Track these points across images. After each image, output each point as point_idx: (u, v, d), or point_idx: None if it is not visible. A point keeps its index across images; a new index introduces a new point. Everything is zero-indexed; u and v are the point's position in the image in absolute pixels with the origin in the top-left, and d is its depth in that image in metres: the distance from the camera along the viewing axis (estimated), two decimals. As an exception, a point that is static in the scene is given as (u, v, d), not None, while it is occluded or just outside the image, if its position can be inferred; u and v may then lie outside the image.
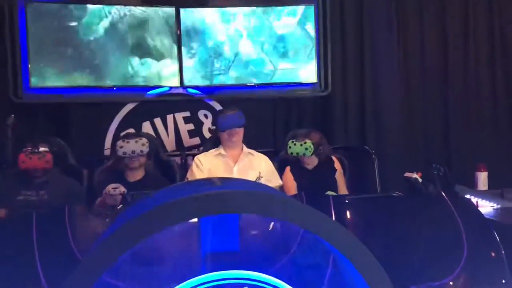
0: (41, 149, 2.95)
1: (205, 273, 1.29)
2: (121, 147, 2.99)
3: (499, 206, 3.51)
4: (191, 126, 4.27)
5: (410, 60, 4.48)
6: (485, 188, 4.12)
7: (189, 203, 1.21)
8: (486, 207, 3.54)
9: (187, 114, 4.26)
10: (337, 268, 1.59)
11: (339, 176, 3.39)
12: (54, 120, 4.03)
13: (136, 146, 2.98)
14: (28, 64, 3.94)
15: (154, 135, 4.03)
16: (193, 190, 1.31)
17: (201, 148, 3.80)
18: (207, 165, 3.14)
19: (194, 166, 3.17)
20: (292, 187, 3.27)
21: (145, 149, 3.02)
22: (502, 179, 4.26)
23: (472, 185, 4.12)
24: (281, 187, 3.23)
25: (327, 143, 3.47)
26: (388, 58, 4.42)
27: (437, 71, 4.53)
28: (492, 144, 4.53)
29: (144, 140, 3.03)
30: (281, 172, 3.38)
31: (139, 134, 3.36)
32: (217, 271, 1.29)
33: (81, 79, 4.05)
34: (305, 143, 3.23)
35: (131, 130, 3.94)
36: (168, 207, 1.22)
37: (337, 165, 3.43)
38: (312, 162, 3.35)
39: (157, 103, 4.23)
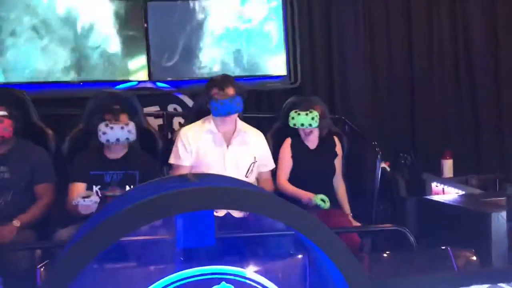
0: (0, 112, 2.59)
1: (181, 270, 1.29)
2: (104, 133, 2.62)
3: (463, 192, 3.63)
4: (160, 121, 4.22)
5: (376, 52, 4.56)
6: (451, 175, 4.26)
7: (162, 201, 1.20)
8: (452, 193, 3.66)
9: (157, 108, 4.21)
10: (313, 262, 1.61)
11: (338, 162, 3.16)
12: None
13: (122, 134, 2.62)
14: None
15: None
16: (167, 187, 1.30)
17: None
18: (195, 144, 2.77)
19: (179, 144, 2.78)
20: (287, 163, 3.01)
21: (132, 136, 2.66)
22: (467, 166, 4.42)
23: (438, 173, 4.24)
24: (270, 173, 2.96)
25: (329, 118, 3.18)
26: (356, 50, 4.48)
27: (403, 61, 4.62)
28: (456, 132, 4.67)
29: (130, 125, 2.65)
30: (276, 144, 3.11)
31: (124, 114, 2.77)
32: (193, 267, 1.29)
33: (46, 74, 3.96)
34: (310, 112, 2.93)
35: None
36: (142, 206, 1.21)
37: (338, 149, 3.18)
38: (314, 138, 3.07)
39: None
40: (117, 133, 2.63)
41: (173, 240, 1.43)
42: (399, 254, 2.40)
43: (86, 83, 4.04)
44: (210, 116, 2.85)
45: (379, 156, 3.21)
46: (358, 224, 3.04)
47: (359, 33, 4.48)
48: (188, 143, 2.78)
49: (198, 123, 2.89)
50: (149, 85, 4.20)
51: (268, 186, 2.90)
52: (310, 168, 3.06)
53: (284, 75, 4.36)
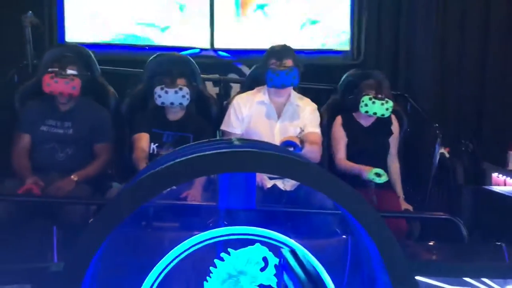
0: (69, 71, 2.67)
1: (222, 227, 1.34)
2: (160, 96, 2.74)
3: (528, 185, 3.42)
4: (218, 89, 4.28)
5: (447, 32, 4.32)
6: (517, 168, 4.01)
7: (207, 160, 1.23)
8: (514, 186, 3.46)
9: (216, 76, 4.26)
10: (354, 236, 1.60)
11: (393, 141, 3.05)
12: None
13: (176, 98, 2.73)
14: (64, 18, 4.00)
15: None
16: (212, 148, 1.33)
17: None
18: (246, 113, 2.79)
19: (231, 111, 2.82)
20: (342, 141, 2.96)
21: (185, 101, 2.76)
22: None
23: (502, 165, 4.01)
24: (318, 136, 2.85)
25: (391, 95, 3.01)
26: (425, 28, 4.27)
27: (477, 43, 4.35)
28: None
29: (184, 91, 2.74)
30: (330, 117, 3.04)
31: (182, 78, 2.85)
32: (233, 226, 1.33)
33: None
34: (386, 102, 2.84)
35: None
36: (187, 163, 1.24)
37: (395, 127, 3.07)
38: (371, 117, 2.97)
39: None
40: (171, 96, 2.74)
41: (216, 204, 1.47)
42: (448, 245, 2.31)
43: (151, 48, 4.15)
44: (264, 86, 2.84)
45: (439, 139, 3.09)
46: (409, 206, 2.95)
47: (430, 9, 4.25)
48: (240, 111, 2.81)
49: (252, 92, 2.90)
50: (210, 53, 4.25)
51: (315, 148, 2.73)
52: (363, 147, 2.98)
53: (347, 50, 4.25)
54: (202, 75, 3.25)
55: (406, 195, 3.08)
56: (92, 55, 3.17)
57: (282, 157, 1.21)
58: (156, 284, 1.45)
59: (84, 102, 2.84)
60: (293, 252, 0.90)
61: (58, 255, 1.87)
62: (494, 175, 3.65)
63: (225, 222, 1.53)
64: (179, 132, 2.83)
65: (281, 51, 2.78)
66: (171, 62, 3.12)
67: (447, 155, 3.45)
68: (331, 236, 2.03)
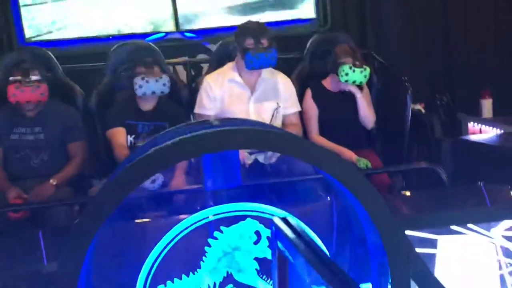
0: (33, 77, 2.58)
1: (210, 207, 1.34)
2: (141, 86, 2.66)
3: (502, 131, 3.51)
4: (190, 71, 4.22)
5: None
6: (490, 115, 4.10)
7: (189, 142, 1.22)
8: (490, 133, 3.54)
9: (185, 58, 4.20)
10: (338, 197, 1.62)
11: (364, 97, 3.02)
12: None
13: (157, 87, 2.67)
14: (20, 18, 3.88)
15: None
16: (192, 131, 1.32)
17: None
18: (218, 92, 2.74)
19: (203, 93, 2.77)
20: (313, 116, 2.97)
21: (167, 89, 2.70)
22: (508, 106, 4.24)
23: (477, 113, 4.10)
24: (299, 113, 2.92)
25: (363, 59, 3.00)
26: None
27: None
28: (496, 70, 4.46)
29: (165, 79, 2.69)
30: (301, 86, 3.02)
31: (156, 66, 2.82)
32: (221, 204, 1.34)
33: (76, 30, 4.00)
34: (365, 69, 2.83)
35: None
36: (171, 147, 1.23)
37: (364, 87, 3.03)
38: (340, 84, 2.96)
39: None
40: (152, 85, 2.68)
41: (202, 185, 1.47)
42: (430, 191, 2.37)
43: (116, 37, 4.06)
44: (234, 64, 2.80)
45: (409, 91, 3.10)
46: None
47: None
48: (211, 90, 2.75)
49: (222, 70, 2.85)
50: (177, 36, 4.18)
51: (296, 130, 2.83)
52: (334, 115, 3.00)
53: (314, 18, 4.24)
54: (172, 60, 3.19)
55: (385, 154, 3.12)
56: (52, 56, 3.08)
57: (265, 132, 1.21)
58: (153, 272, 1.45)
59: (51, 104, 2.77)
60: (285, 220, 0.91)
61: (47, 258, 1.86)
62: (470, 124, 3.73)
63: (211, 203, 1.54)
64: (154, 121, 2.78)
65: (257, 31, 2.72)
66: (135, 51, 3.05)
67: (423, 111, 3.50)
68: (316, 201, 2.06)
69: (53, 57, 3.08)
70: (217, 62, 3.03)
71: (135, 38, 4.05)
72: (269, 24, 4.20)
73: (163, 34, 4.17)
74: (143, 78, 2.68)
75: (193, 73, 3.89)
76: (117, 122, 2.76)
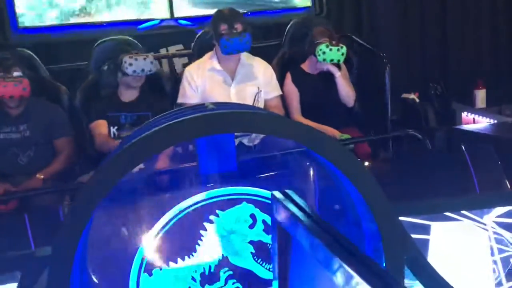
0: (15, 73, 2.60)
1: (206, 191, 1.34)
2: (131, 64, 2.69)
3: (495, 121, 3.53)
4: (185, 60, 4.20)
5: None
6: (483, 105, 4.13)
7: (183, 125, 1.21)
8: (483, 122, 3.57)
9: (180, 47, 4.18)
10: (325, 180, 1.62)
11: (343, 76, 3.05)
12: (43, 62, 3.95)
13: (146, 64, 2.71)
14: (13, 4, 3.83)
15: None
16: (187, 114, 1.32)
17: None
18: (200, 83, 2.83)
19: (185, 83, 2.85)
20: (295, 98, 3.02)
21: (154, 68, 2.77)
22: (501, 96, 4.26)
23: (470, 103, 4.12)
24: (280, 97, 2.97)
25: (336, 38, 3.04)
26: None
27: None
28: (490, 61, 4.48)
29: (151, 57, 2.76)
30: (282, 71, 3.07)
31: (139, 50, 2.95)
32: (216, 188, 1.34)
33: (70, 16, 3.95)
34: (341, 47, 2.87)
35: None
36: (164, 130, 1.22)
37: (342, 68, 3.09)
38: (318, 66, 3.01)
39: (148, 37, 4.13)
40: (141, 63, 2.71)
41: (197, 167, 1.47)
42: (413, 156, 2.38)
43: (110, 24, 4.02)
44: (213, 53, 2.87)
45: (387, 67, 3.12)
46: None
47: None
48: (193, 80, 2.82)
49: (202, 60, 2.92)
50: (171, 23, 4.14)
51: (278, 112, 2.80)
52: (316, 93, 3.03)
53: (309, 6, 4.22)
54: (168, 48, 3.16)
55: (368, 131, 3.11)
56: (35, 56, 3.07)
57: (261, 115, 1.21)
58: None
59: (35, 102, 2.77)
60: (285, 194, 0.91)
61: (34, 241, 1.85)
62: (464, 114, 3.75)
63: (207, 187, 1.54)
64: (136, 112, 2.81)
65: (230, 16, 2.78)
66: (116, 46, 3.03)
67: (417, 100, 3.51)
68: (298, 173, 2.05)
69: (36, 57, 3.09)
70: (198, 52, 3.08)
71: (128, 25, 4.03)
72: (265, 12, 4.22)
73: (157, 21, 4.13)
74: (131, 57, 2.72)
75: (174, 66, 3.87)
76: (99, 114, 2.80)
